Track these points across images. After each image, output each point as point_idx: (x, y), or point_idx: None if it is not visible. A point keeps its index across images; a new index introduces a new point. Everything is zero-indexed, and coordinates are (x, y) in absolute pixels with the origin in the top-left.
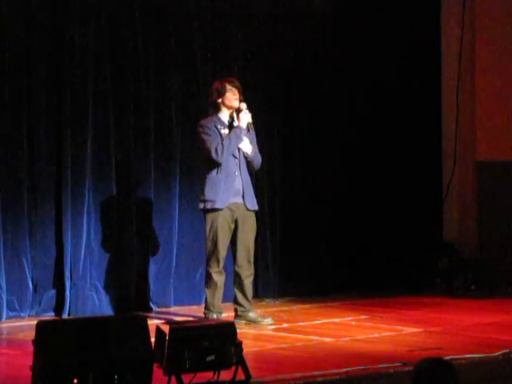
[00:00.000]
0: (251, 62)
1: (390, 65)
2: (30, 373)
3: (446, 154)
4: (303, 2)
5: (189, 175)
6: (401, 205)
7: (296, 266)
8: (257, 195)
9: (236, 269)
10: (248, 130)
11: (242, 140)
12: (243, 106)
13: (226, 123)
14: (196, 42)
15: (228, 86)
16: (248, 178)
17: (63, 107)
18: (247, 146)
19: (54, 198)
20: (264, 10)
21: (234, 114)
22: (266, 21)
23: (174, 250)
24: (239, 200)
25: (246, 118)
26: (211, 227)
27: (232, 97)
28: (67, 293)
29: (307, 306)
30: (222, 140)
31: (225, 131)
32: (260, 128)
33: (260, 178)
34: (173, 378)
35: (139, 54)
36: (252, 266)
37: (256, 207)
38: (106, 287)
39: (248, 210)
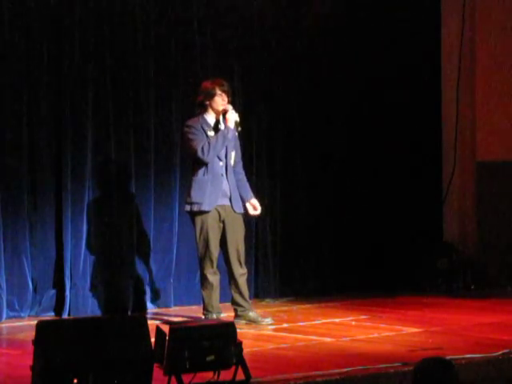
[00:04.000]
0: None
1: (389, 65)
2: (30, 373)
3: (446, 154)
4: (303, 2)
5: (189, 175)
6: (401, 205)
7: (296, 266)
8: (258, 195)
9: (228, 270)
10: (237, 129)
11: (228, 140)
12: (229, 106)
13: (212, 125)
14: (196, 42)
15: (218, 90)
16: (234, 181)
17: (63, 107)
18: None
19: (54, 198)
20: (264, 10)
21: (221, 117)
22: (267, 21)
23: (174, 250)
24: (226, 202)
25: (233, 117)
26: (201, 229)
27: (220, 101)
28: (67, 293)
29: (307, 305)
30: (209, 140)
31: (211, 133)
32: (260, 128)
33: (260, 179)
34: (173, 378)
35: (139, 54)
36: (244, 265)
37: (242, 210)
38: (106, 287)
39: (235, 212)
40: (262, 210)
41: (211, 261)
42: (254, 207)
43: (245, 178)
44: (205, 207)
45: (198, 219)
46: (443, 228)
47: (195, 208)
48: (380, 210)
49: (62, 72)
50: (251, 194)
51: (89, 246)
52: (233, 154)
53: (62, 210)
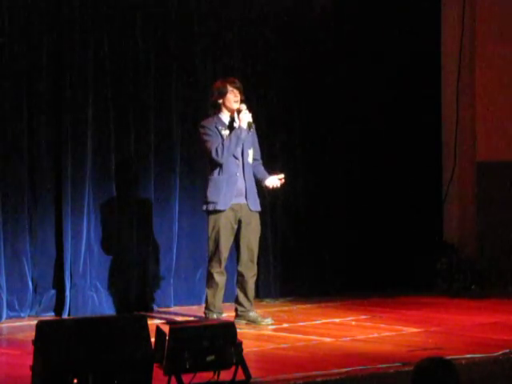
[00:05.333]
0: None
1: (390, 65)
2: (30, 373)
3: (446, 154)
4: (303, 3)
5: (189, 175)
6: (401, 205)
7: (296, 266)
8: (258, 195)
9: (239, 269)
10: (249, 130)
11: (242, 140)
12: (243, 106)
13: (227, 124)
14: (196, 42)
15: (229, 87)
16: (252, 179)
17: (63, 107)
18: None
19: (54, 198)
20: (264, 10)
21: (235, 115)
22: (266, 22)
23: (174, 250)
24: (242, 200)
25: (246, 117)
26: (213, 227)
27: (233, 98)
28: (67, 293)
29: (307, 305)
30: (223, 141)
31: (225, 132)
32: (260, 128)
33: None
34: (173, 378)
35: (139, 54)
36: (255, 266)
37: (259, 208)
38: (106, 287)
39: (251, 210)
40: (264, 210)
41: (220, 260)
42: (275, 180)
43: (261, 166)
44: (220, 206)
45: (212, 218)
46: (443, 228)
47: (211, 207)
48: (380, 210)
49: (62, 72)
50: (267, 175)
51: (89, 246)
52: (250, 151)
53: (62, 209)
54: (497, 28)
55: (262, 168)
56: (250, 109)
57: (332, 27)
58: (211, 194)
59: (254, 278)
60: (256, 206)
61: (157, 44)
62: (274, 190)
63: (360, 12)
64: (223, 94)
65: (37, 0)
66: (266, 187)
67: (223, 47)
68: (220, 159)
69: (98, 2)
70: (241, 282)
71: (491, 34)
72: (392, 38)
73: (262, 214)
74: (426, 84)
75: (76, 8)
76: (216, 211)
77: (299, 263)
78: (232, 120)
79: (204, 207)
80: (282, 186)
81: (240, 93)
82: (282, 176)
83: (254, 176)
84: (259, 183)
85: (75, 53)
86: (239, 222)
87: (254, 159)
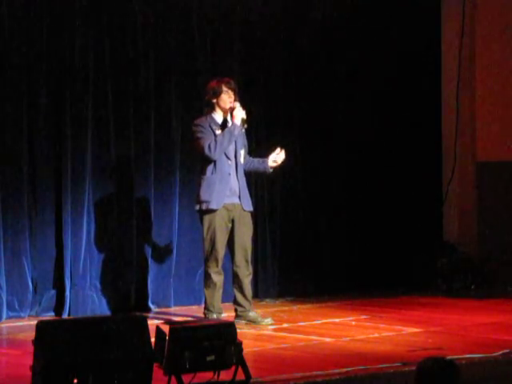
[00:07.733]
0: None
1: (390, 65)
2: (30, 373)
3: (446, 154)
4: (303, 3)
5: (189, 175)
6: (401, 205)
7: (296, 266)
8: (257, 195)
9: (234, 269)
10: (243, 126)
11: (235, 137)
12: (236, 104)
13: (220, 124)
14: (196, 42)
15: (224, 88)
16: (244, 179)
17: (63, 107)
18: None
19: (54, 198)
20: (264, 11)
21: (228, 116)
22: (267, 22)
23: (174, 250)
24: (236, 200)
25: (240, 114)
26: (209, 227)
27: (227, 99)
28: (67, 293)
29: (307, 305)
30: (216, 137)
31: (218, 132)
32: (260, 128)
33: (260, 178)
34: (173, 378)
35: (139, 54)
36: (250, 265)
37: (251, 208)
38: (106, 287)
39: (244, 210)
40: (263, 210)
41: (216, 260)
42: (276, 157)
43: (252, 159)
44: (213, 206)
45: (206, 218)
46: (443, 228)
47: (204, 207)
48: (380, 210)
49: (62, 72)
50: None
51: (89, 246)
52: (242, 152)
53: (62, 209)
54: (497, 28)
55: (254, 159)
56: (243, 107)
57: (332, 28)
58: (204, 194)
59: (250, 277)
60: (249, 206)
61: (157, 44)
62: (274, 190)
63: (360, 12)
64: (218, 94)
65: (37, 0)
66: (273, 168)
67: (223, 47)
68: (213, 155)
69: (97, 1)
70: (237, 282)
71: (491, 33)
72: (392, 37)
73: (261, 214)
74: (426, 84)
75: (76, 8)
76: (209, 210)
77: (299, 263)
78: (225, 120)
79: (197, 207)
80: (283, 162)
81: (234, 93)
82: (278, 150)
83: (256, 169)
84: (263, 172)
85: (75, 53)
86: (232, 222)
87: (244, 159)
